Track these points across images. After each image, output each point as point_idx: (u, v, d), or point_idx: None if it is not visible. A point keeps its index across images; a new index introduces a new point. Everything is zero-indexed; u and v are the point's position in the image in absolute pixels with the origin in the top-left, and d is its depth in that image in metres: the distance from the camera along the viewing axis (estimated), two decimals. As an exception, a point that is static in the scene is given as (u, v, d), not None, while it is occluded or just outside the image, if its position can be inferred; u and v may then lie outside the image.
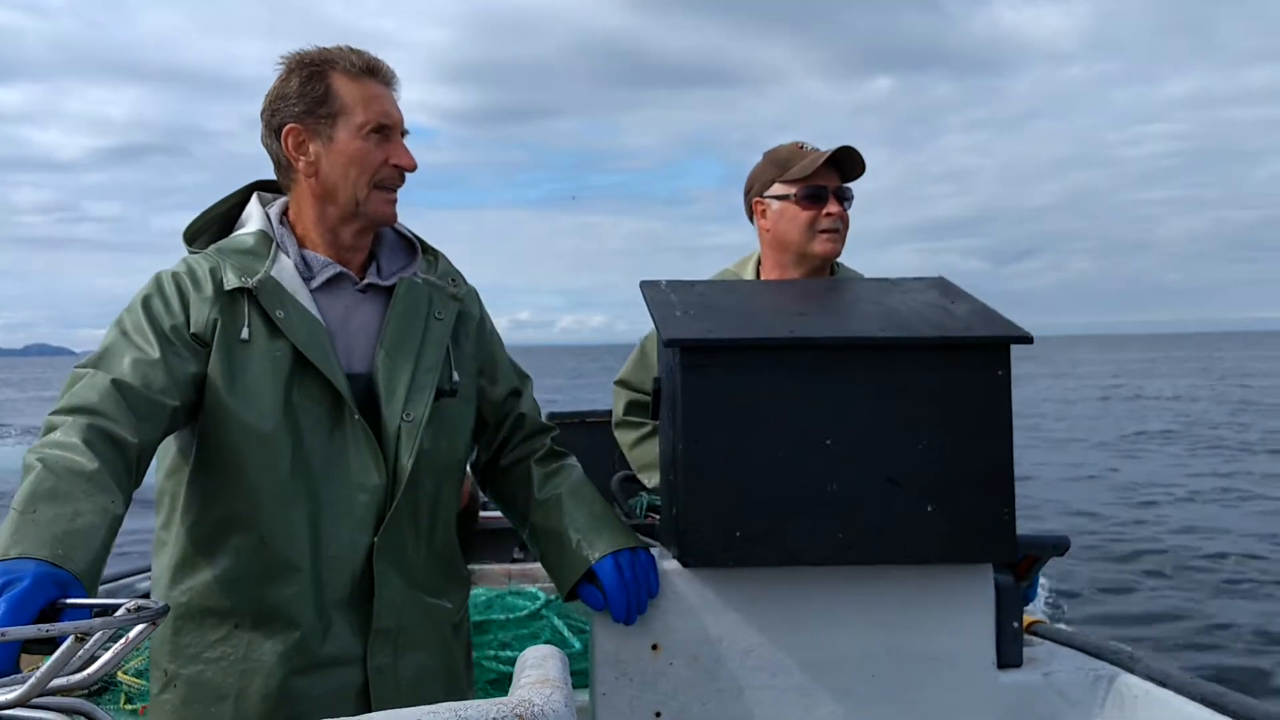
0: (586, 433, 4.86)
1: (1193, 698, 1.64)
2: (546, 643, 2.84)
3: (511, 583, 3.92)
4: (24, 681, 1.10)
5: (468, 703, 1.26)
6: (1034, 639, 2.01)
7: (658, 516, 3.21)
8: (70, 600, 1.27)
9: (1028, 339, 1.79)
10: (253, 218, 1.84)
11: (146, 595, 2.47)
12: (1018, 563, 1.89)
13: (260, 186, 1.91)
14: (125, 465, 1.54)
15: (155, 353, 1.64)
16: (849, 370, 1.76)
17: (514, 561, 4.61)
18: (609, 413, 5.50)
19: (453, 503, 1.90)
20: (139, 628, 1.14)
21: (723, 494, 1.74)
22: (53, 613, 1.25)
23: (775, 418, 1.75)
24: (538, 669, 1.44)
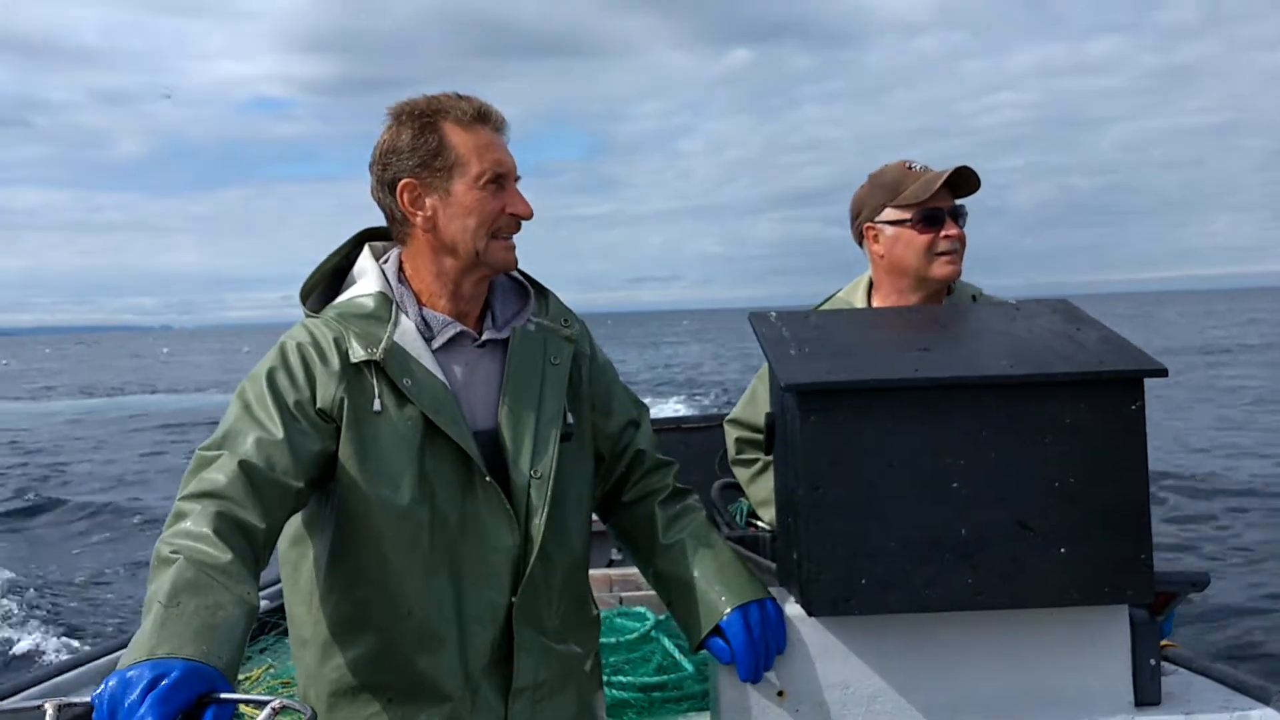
0: (683, 438, 4.86)
1: None
2: (658, 666, 2.84)
3: (615, 589, 3.93)
4: None
5: None
6: (1168, 665, 1.93)
7: (759, 523, 3.17)
8: (220, 695, 1.29)
9: (1163, 372, 1.71)
10: (368, 275, 1.82)
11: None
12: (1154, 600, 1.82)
13: (368, 235, 1.90)
14: (254, 553, 1.55)
15: (279, 432, 1.64)
16: (976, 409, 1.70)
17: (611, 565, 4.63)
18: (706, 419, 5.53)
19: (583, 546, 1.89)
20: None
21: (847, 541, 1.69)
22: (199, 708, 1.27)
23: (899, 461, 1.69)
24: None
